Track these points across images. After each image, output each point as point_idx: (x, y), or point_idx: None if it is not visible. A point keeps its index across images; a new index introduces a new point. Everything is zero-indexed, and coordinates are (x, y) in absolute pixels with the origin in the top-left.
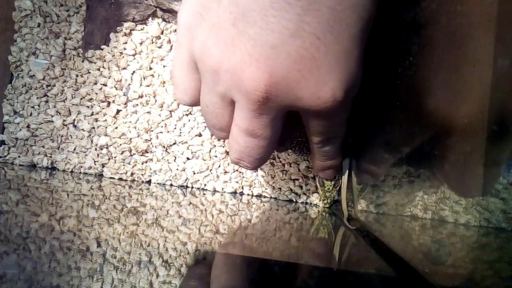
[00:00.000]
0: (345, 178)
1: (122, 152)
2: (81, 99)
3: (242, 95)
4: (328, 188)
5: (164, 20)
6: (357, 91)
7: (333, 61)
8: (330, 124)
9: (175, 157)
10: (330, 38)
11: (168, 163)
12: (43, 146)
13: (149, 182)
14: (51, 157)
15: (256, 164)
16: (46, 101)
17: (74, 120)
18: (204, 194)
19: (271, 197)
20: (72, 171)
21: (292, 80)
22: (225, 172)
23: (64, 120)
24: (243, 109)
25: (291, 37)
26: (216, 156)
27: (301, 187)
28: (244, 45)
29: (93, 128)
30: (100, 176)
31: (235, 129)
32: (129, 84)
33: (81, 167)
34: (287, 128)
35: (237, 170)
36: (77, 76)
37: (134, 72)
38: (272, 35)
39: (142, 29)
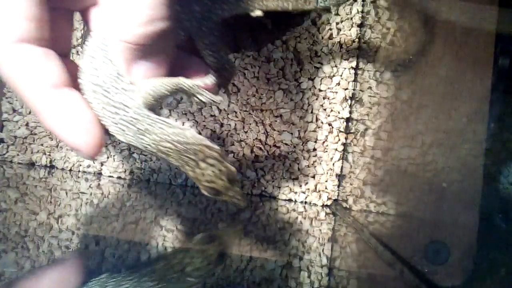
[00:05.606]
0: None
1: (121, 151)
2: None
3: None
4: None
5: None
6: None
7: None
8: None
9: None
10: None
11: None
12: (42, 145)
13: (148, 181)
14: (50, 155)
15: None
16: None
17: None
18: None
19: (270, 196)
20: (70, 170)
21: None
22: None
23: None
24: None
25: None
26: None
27: (300, 186)
28: None
29: None
30: (99, 174)
31: None
32: None
33: (80, 165)
34: None
35: (236, 170)
36: None
37: None
38: None
39: None
